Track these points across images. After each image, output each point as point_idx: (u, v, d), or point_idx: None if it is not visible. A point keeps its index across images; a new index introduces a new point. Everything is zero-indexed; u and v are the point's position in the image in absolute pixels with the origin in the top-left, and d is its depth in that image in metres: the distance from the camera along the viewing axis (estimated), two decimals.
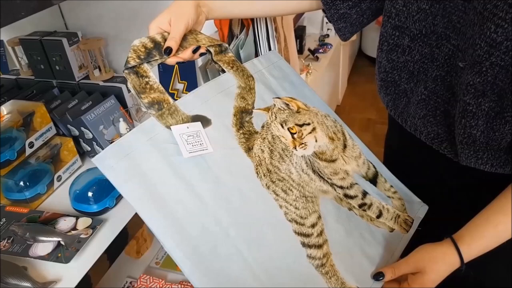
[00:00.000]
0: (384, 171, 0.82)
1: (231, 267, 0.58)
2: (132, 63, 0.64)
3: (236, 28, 1.08)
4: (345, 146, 0.78)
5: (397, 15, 0.69)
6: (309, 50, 2.51)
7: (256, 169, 0.67)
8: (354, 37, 3.25)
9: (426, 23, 0.66)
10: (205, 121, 0.66)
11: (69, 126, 0.94)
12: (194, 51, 0.70)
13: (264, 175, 0.67)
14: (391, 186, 0.81)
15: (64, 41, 1.04)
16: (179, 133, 0.62)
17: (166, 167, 0.59)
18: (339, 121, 0.81)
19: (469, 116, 0.62)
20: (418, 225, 0.79)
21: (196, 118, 0.65)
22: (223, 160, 0.64)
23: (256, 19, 1.08)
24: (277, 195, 0.66)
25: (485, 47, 0.56)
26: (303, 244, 0.65)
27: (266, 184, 0.66)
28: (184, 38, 0.69)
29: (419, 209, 0.81)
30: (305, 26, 2.58)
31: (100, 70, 1.10)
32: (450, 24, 0.63)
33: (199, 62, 1.10)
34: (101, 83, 1.07)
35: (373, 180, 0.79)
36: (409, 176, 0.85)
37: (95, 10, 1.09)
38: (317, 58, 2.47)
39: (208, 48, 0.71)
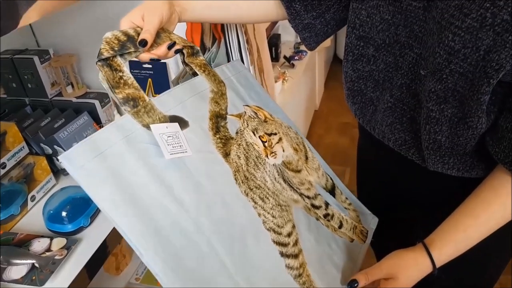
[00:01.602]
0: (339, 183, 0.84)
1: (215, 279, 0.56)
2: (106, 54, 0.59)
3: (208, 41, 1.09)
4: (306, 158, 0.79)
5: (361, 26, 0.70)
6: (285, 57, 2.54)
7: (235, 175, 0.65)
8: (328, 43, 3.25)
9: (389, 33, 0.67)
10: (182, 123, 0.62)
11: (42, 144, 0.94)
12: (169, 47, 0.67)
13: (242, 182, 0.65)
14: (346, 198, 0.83)
15: (36, 59, 1.03)
16: (159, 132, 0.58)
17: (145, 168, 0.55)
18: (299, 133, 0.82)
19: (433, 122, 0.64)
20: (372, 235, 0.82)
21: (173, 119, 0.61)
22: (203, 165, 0.61)
23: (228, 31, 1.09)
24: (255, 202, 0.65)
25: (444, 55, 0.58)
26: (282, 254, 0.65)
27: (245, 191, 0.65)
28: (158, 35, 0.66)
29: (371, 221, 0.83)
30: (280, 34, 2.60)
31: (72, 86, 1.09)
32: (412, 34, 0.64)
33: (172, 75, 1.11)
34: (74, 100, 1.07)
35: (332, 191, 0.81)
36: (382, 182, 0.87)
37: (66, 27, 1.09)
38: (293, 65, 2.49)
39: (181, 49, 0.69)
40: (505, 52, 0.53)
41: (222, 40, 1.10)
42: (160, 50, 0.66)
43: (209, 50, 1.07)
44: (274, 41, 2.47)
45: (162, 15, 0.67)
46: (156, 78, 1.12)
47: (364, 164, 1.00)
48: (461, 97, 0.60)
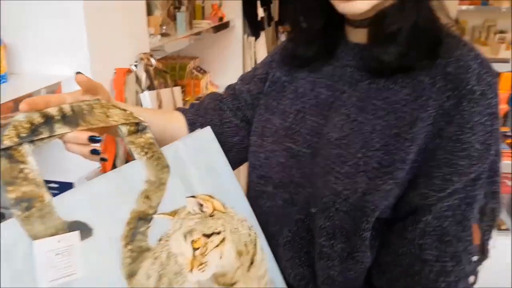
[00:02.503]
0: None
1: None
2: (7, 143, 0.48)
3: (120, 164, 1.10)
4: (251, 263, 0.68)
5: (261, 166, 0.77)
6: None
7: None
8: None
9: (285, 173, 0.74)
10: (85, 231, 0.51)
11: None
12: (91, 140, 0.56)
13: None
14: None
15: None
16: (45, 250, 0.48)
17: None
18: (255, 227, 0.71)
19: (325, 257, 0.68)
20: None
21: (74, 226, 0.50)
22: None
23: None
24: None
25: (330, 195, 0.65)
26: None
27: None
28: (91, 112, 0.56)
29: None
30: None
31: None
32: (304, 175, 0.72)
33: None
34: None
35: None
36: None
37: None
38: None
39: (120, 126, 0.58)
40: (378, 194, 0.63)
41: None
42: (81, 134, 0.55)
43: None
44: None
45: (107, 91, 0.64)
46: None
47: None
48: (347, 233, 0.66)
